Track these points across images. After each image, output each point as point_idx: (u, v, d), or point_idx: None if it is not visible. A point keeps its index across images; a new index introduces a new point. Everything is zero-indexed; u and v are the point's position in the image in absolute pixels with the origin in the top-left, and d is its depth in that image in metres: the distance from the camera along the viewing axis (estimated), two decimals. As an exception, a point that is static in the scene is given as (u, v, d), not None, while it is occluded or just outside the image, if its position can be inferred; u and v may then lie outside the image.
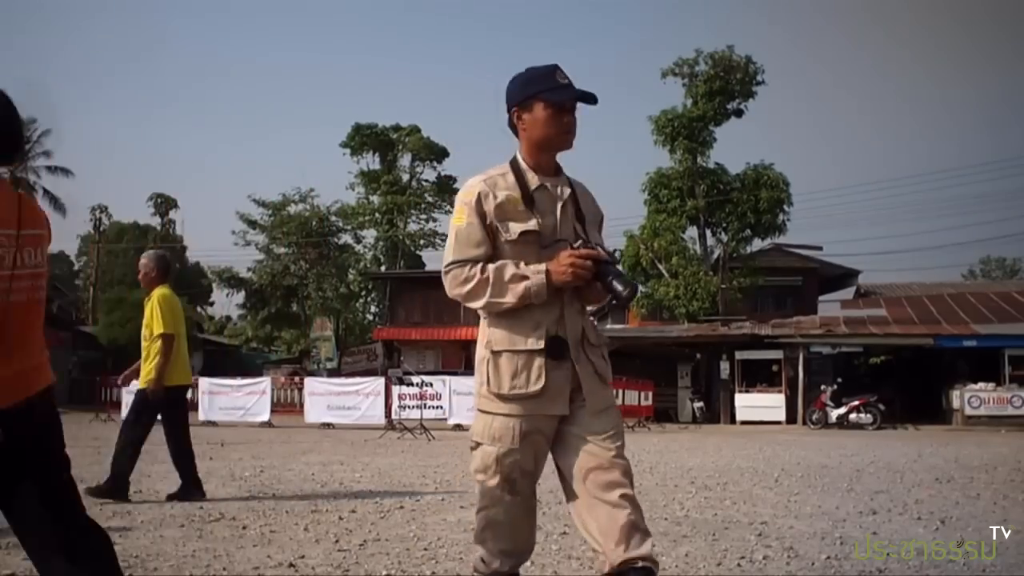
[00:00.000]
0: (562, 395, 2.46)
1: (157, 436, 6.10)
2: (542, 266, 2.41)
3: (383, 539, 4.54)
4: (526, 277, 2.41)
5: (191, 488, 6.06)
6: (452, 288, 2.48)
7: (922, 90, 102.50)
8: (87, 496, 5.63)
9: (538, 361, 2.43)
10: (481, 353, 2.53)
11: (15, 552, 4.06)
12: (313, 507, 5.74)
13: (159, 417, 6.20)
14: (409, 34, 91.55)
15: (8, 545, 4.22)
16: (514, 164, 2.56)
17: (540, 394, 2.43)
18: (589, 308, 2.59)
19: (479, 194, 2.48)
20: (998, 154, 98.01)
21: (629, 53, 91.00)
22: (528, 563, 3.98)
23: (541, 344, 2.43)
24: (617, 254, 31.52)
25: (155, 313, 6.07)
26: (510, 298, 2.41)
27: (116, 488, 5.87)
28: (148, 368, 6.05)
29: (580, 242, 2.48)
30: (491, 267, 2.43)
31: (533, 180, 2.53)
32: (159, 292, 6.16)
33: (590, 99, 2.51)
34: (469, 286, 2.44)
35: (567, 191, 2.57)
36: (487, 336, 2.52)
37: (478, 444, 2.52)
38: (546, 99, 2.47)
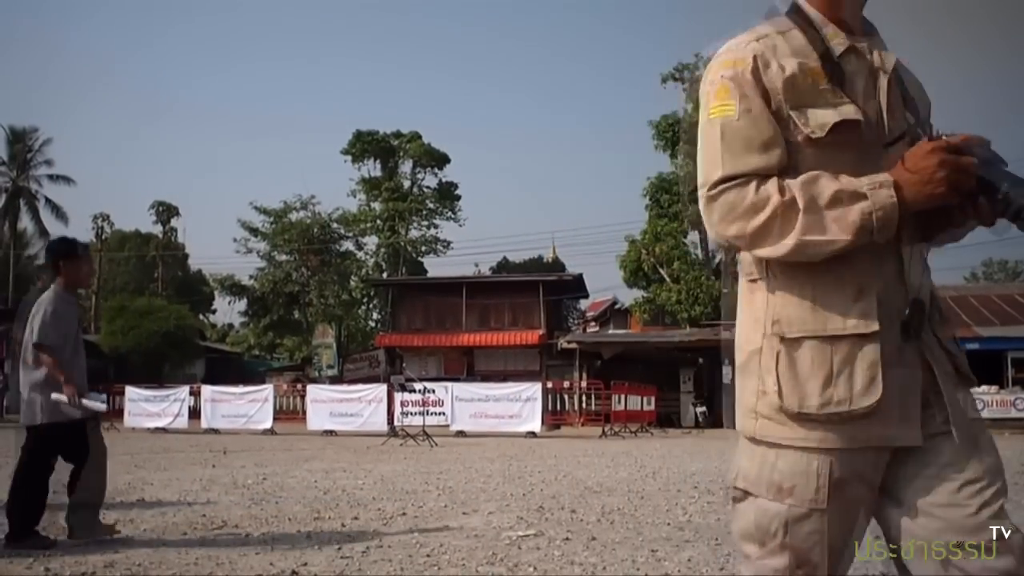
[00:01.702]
0: (909, 409, 1.43)
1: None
2: (883, 176, 1.38)
3: (386, 546, 4.54)
4: (862, 196, 1.36)
5: None
6: (728, 223, 1.41)
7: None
8: None
9: (870, 353, 1.39)
10: (755, 342, 1.47)
11: (17, 561, 4.07)
12: (315, 514, 5.74)
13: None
14: (409, 40, 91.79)
15: (10, 554, 4.24)
16: (798, 14, 1.52)
17: (872, 412, 1.39)
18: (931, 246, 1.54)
19: (756, 58, 1.45)
20: (999, 155, 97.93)
21: (629, 58, 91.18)
22: (531, 569, 3.98)
23: (874, 323, 1.39)
24: (616, 258, 31.57)
25: None
26: (840, 233, 1.36)
27: None
28: None
29: (938, 133, 1.43)
30: (795, 183, 1.38)
31: (837, 39, 1.49)
32: None
33: None
34: (761, 217, 1.38)
35: (890, 59, 1.51)
36: (768, 313, 1.45)
37: (747, 494, 1.49)
38: None
